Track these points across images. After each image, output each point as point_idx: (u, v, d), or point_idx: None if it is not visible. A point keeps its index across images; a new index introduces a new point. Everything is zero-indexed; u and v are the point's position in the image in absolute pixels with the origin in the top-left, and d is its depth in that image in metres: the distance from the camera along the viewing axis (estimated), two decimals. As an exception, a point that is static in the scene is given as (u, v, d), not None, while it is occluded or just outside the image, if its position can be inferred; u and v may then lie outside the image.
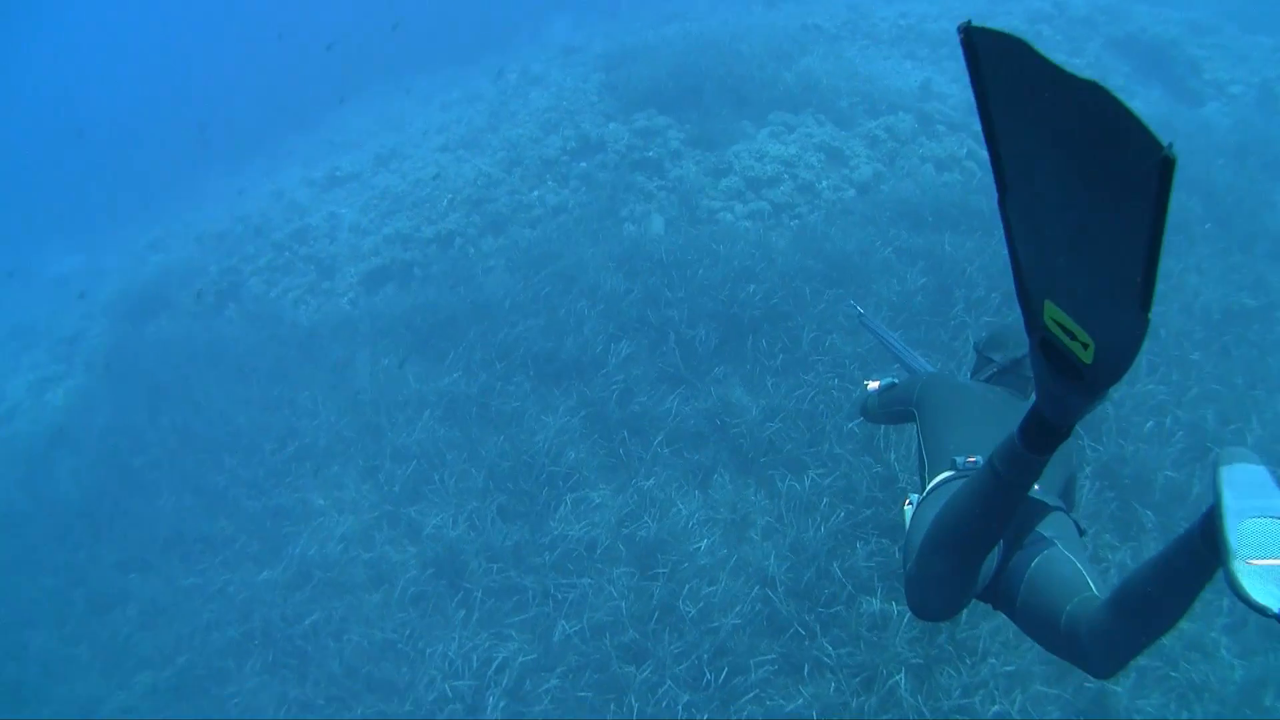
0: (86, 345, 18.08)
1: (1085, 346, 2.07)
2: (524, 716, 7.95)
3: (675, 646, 7.80)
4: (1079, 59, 17.49)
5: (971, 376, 4.89)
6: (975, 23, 1.79)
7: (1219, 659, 7.18)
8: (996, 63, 1.81)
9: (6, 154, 34.33)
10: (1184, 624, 7.05)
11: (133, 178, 27.77)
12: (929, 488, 3.82)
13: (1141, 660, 7.06)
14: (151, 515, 11.72)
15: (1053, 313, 2.13)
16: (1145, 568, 2.78)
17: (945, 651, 7.21)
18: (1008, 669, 7.07)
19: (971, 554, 3.09)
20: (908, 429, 8.43)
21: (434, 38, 27.44)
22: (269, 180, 22.36)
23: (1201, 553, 2.53)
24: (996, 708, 6.86)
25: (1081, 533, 3.69)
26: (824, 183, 13.65)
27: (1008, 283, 10.46)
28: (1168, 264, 10.65)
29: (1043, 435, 2.54)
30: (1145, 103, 16.19)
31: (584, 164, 15.58)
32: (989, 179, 12.05)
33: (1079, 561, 3.31)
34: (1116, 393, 8.75)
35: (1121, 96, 1.54)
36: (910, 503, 3.91)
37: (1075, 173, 1.76)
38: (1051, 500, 3.68)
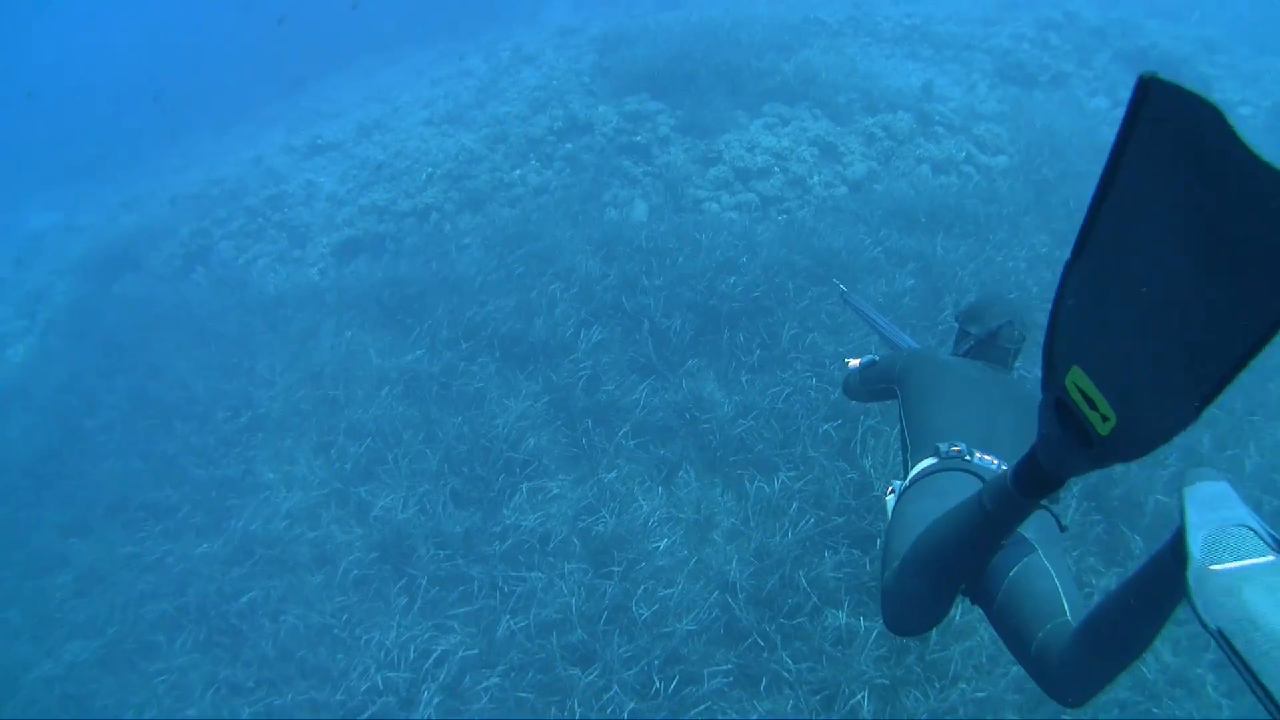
0: (51, 302, 17.77)
1: (1105, 420, 1.99)
2: (459, 715, 7.52)
3: (625, 650, 7.38)
4: (1087, 70, 17.26)
5: (952, 351, 4.76)
6: (1162, 76, 1.64)
7: (1205, 696, 6.84)
8: (1168, 123, 1.65)
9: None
10: (1168, 658, 6.83)
11: (121, 138, 27.46)
12: (911, 475, 3.71)
13: (1123, 694, 6.66)
14: (98, 479, 11.41)
15: (1078, 378, 2.03)
16: (1115, 593, 2.64)
17: (913, 673, 6.84)
18: (979, 695, 6.71)
19: (951, 580, 3.04)
20: (886, 433, 8.38)
21: (431, 12, 27.15)
22: (251, 146, 22.10)
23: (1172, 571, 2.38)
24: (964, 736, 6.50)
25: (1063, 529, 3.55)
26: (815, 178, 13.28)
27: (1001, 289, 10.13)
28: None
29: (1035, 482, 2.45)
30: None
31: (570, 145, 15.19)
32: (987, 184, 11.83)
33: (1057, 575, 3.16)
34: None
35: None
36: (893, 491, 3.80)
37: (1204, 258, 1.66)
38: None
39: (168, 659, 8.84)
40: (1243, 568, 2.12)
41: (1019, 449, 2.60)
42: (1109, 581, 7.26)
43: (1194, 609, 2.08)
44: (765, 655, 7.15)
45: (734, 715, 6.93)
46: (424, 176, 15.19)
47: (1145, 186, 1.74)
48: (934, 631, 6.63)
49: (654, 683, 7.19)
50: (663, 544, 8.19)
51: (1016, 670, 6.26)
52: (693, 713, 6.98)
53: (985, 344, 4.46)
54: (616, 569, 8.00)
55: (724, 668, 7.19)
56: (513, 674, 7.60)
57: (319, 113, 22.88)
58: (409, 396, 10.70)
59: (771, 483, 8.41)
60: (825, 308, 10.20)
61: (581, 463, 9.38)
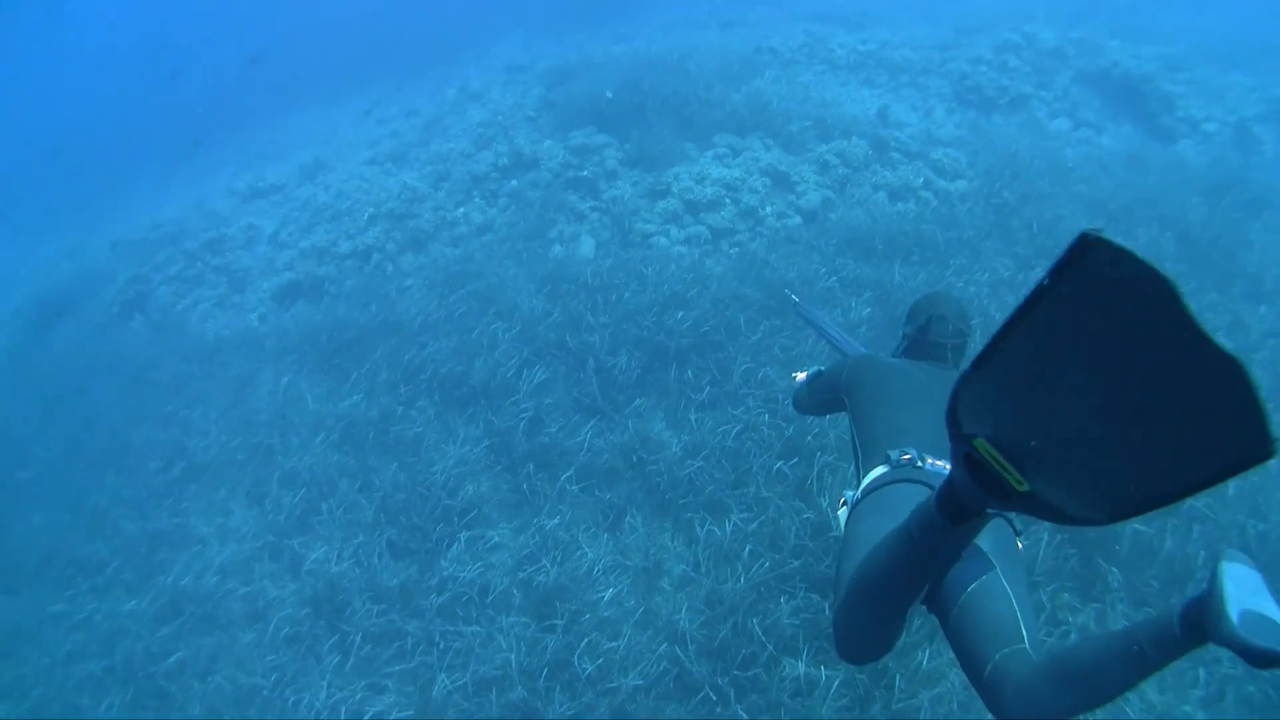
0: None
1: (1019, 483, 2.01)
2: (390, 781, 7.14)
3: (568, 708, 6.97)
4: (1047, 92, 17.07)
5: (893, 353, 4.80)
6: (1106, 235, 1.68)
7: (1192, 738, 6.43)
8: (1108, 279, 1.71)
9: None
10: (1154, 697, 6.46)
11: (64, 185, 27.17)
12: (863, 485, 3.72)
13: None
14: (27, 533, 11.08)
15: (985, 446, 2.05)
16: (1099, 640, 2.69)
17: (878, 724, 6.41)
18: (948, 747, 6.30)
19: (896, 608, 3.02)
20: (843, 469, 8.05)
21: (381, 53, 27.08)
22: (195, 189, 21.83)
23: (1175, 639, 2.45)
24: (932, 796, 6.16)
25: (1017, 533, 3.57)
26: (768, 208, 12.98)
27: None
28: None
29: (960, 513, 2.41)
30: (1116, 139, 15.87)
31: (515, 181, 14.89)
32: (946, 209, 11.62)
33: (1015, 599, 3.16)
34: None
35: (1257, 385, 1.57)
36: (844, 502, 3.83)
37: (1126, 409, 1.77)
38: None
39: (93, 723, 8.41)
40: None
41: None
42: (1086, 619, 6.87)
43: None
44: (719, 710, 6.74)
45: (685, 775, 6.57)
46: (366, 217, 14.87)
47: (1066, 330, 1.79)
48: (899, 678, 6.46)
49: (599, 743, 6.78)
50: (608, 594, 7.76)
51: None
52: (641, 774, 6.62)
53: (919, 342, 4.50)
54: (559, 621, 7.58)
55: (674, 726, 6.76)
56: (449, 736, 7.17)
57: (264, 155, 22.62)
58: (346, 443, 10.32)
59: (723, 525, 7.98)
60: (779, 341, 9.86)
61: (524, 509, 8.98)
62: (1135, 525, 7.40)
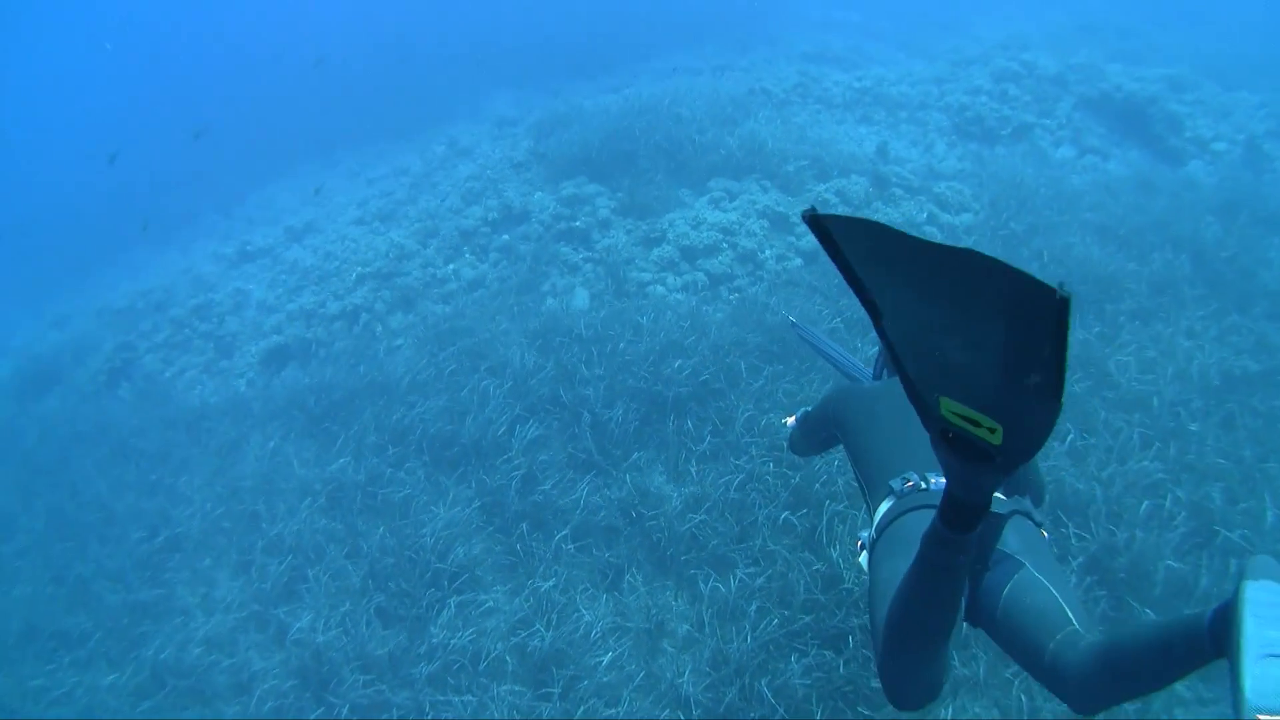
0: None
1: (992, 431, 2.07)
2: None
3: (564, 781, 6.57)
4: (1049, 120, 16.82)
5: (874, 375, 5.02)
6: (820, 210, 1.89)
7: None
8: (852, 240, 1.94)
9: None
10: None
11: (54, 259, 26.98)
12: (876, 523, 3.64)
13: None
14: (8, 606, 10.73)
15: (951, 405, 2.12)
16: (1141, 637, 2.63)
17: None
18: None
19: (937, 641, 2.91)
20: (854, 517, 7.72)
21: (371, 114, 26.93)
22: (184, 256, 21.59)
23: (1206, 650, 2.39)
24: None
25: (1038, 524, 3.53)
26: (767, 251, 12.69)
27: None
28: (1156, 328, 10.04)
29: (962, 515, 2.44)
30: (1123, 163, 15.64)
31: (506, 235, 14.64)
32: (950, 241, 11.30)
33: (1053, 585, 3.15)
34: (1104, 471, 7.82)
35: (991, 255, 1.70)
36: (862, 545, 3.74)
37: (960, 315, 1.89)
38: (1004, 508, 3.44)
39: (70, 807, 8.05)
40: None
41: None
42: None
43: None
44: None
45: None
46: (353, 277, 14.63)
47: (885, 277, 1.98)
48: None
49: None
50: (607, 657, 7.39)
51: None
52: None
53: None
54: (555, 689, 7.24)
55: (678, 799, 6.41)
56: (439, 814, 6.83)
57: (252, 220, 22.35)
58: (333, 508, 10.00)
59: (728, 582, 7.61)
60: (783, 386, 9.51)
61: (518, 571, 8.62)
62: (1168, 561, 7.04)
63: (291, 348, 13.94)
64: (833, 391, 4.66)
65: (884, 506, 3.62)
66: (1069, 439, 8.18)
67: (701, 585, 7.76)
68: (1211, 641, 2.34)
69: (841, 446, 4.47)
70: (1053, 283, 1.63)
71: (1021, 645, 3.01)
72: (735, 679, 6.85)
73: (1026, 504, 3.58)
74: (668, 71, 23.27)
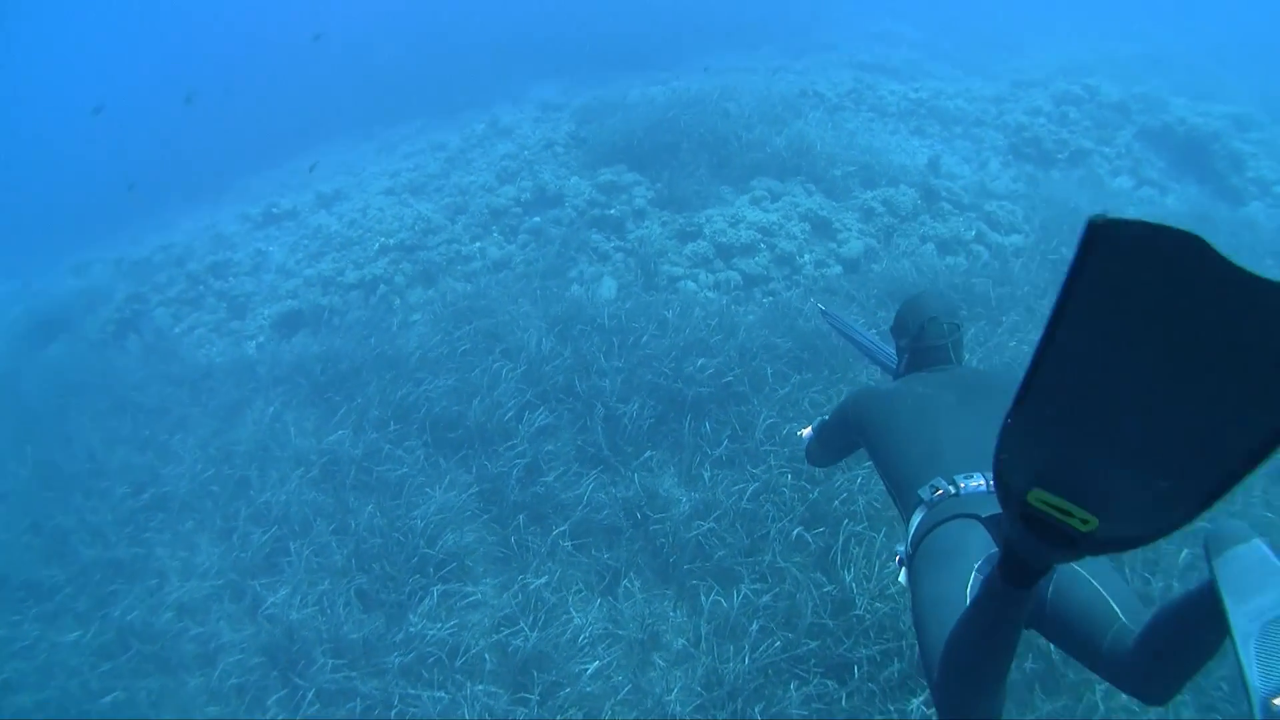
0: None
1: (1085, 522, 1.85)
2: None
3: (531, 796, 6.12)
4: (1108, 148, 16.35)
5: (895, 374, 4.71)
6: (1113, 214, 1.52)
7: None
8: (1127, 258, 1.55)
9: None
10: None
11: (90, 209, 26.94)
12: (911, 537, 3.45)
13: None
14: None
15: (1041, 495, 1.87)
16: (1164, 616, 2.67)
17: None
18: None
19: (995, 673, 2.68)
20: (871, 539, 7.18)
21: (415, 93, 26.85)
22: (211, 215, 21.38)
23: (1211, 617, 2.38)
24: None
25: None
26: (806, 256, 12.24)
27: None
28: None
29: (1028, 575, 2.21)
30: (1181, 199, 15.14)
31: (537, 218, 14.31)
32: (999, 264, 10.65)
33: (1096, 580, 3.07)
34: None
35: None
36: (899, 559, 3.64)
37: (1191, 379, 1.60)
38: None
39: (18, 762, 7.80)
40: None
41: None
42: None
43: None
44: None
45: None
46: (375, 247, 14.31)
47: (1102, 328, 1.62)
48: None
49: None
50: (593, 665, 6.93)
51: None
52: None
53: (918, 350, 4.39)
54: (533, 695, 6.78)
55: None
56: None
57: (285, 185, 22.21)
58: (325, 481, 9.64)
59: (731, 596, 7.14)
60: (809, 395, 9.05)
61: (510, 564, 8.18)
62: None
63: (305, 314, 13.63)
64: (849, 396, 4.44)
65: (916, 519, 3.44)
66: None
67: (703, 598, 7.30)
68: (1210, 617, 2.38)
69: (865, 461, 4.40)
70: None
71: (1075, 645, 2.98)
72: (728, 702, 6.43)
73: None
74: (720, 71, 22.96)
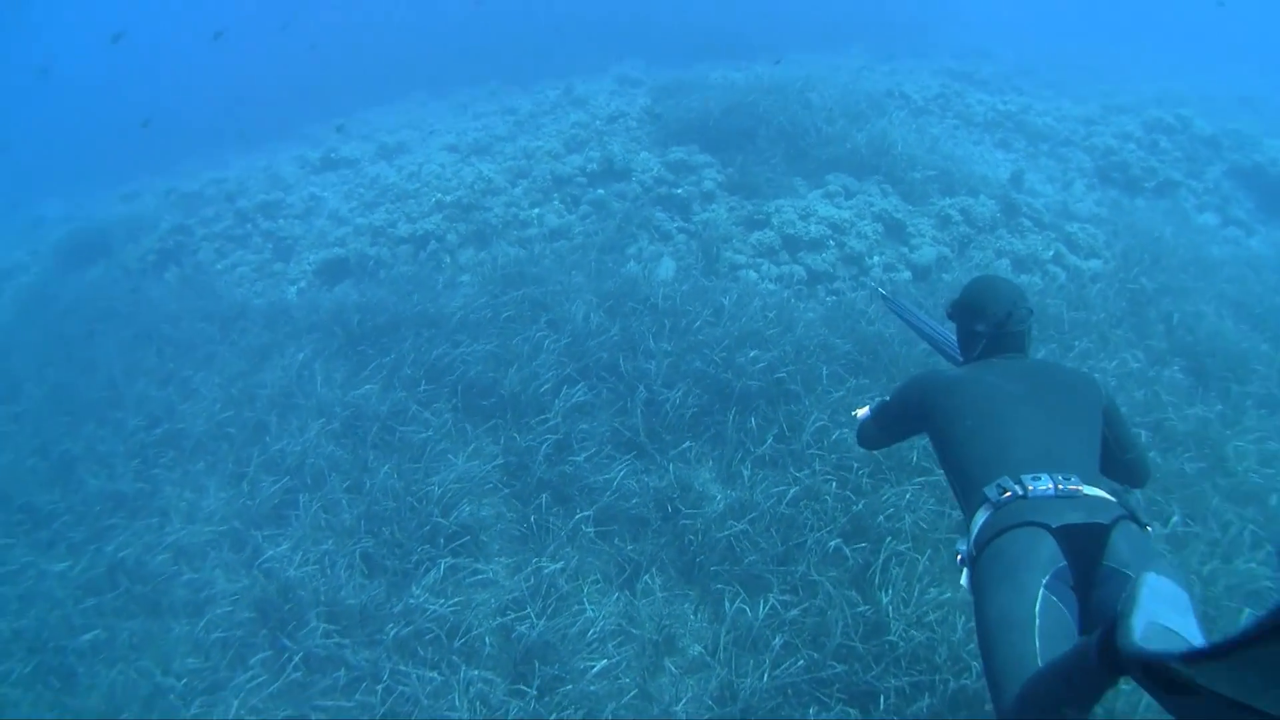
0: (14, 282, 17.26)
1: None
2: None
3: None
4: (1196, 182, 15.86)
5: (964, 358, 4.50)
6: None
7: None
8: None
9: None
10: None
11: (154, 143, 26.94)
12: (974, 537, 3.35)
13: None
14: None
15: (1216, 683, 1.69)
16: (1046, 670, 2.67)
17: None
18: None
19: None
20: (914, 560, 6.73)
21: (492, 60, 26.58)
22: (271, 157, 21.09)
23: (1094, 669, 2.38)
24: None
25: (1144, 525, 3.30)
26: (875, 257, 11.77)
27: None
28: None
29: (1121, 666, 2.24)
30: (1267, 243, 14.59)
31: (601, 190, 13.83)
32: (1075, 288, 10.07)
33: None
34: (1206, 566, 6.87)
35: None
36: (961, 558, 3.49)
37: None
38: (1107, 513, 3.24)
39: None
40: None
41: (1067, 432, 3.00)
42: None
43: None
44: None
45: None
46: (432, 202, 13.93)
47: None
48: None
49: None
50: (601, 663, 6.43)
51: None
52: None
53: (998, 337, 4.22)
54: (531, 688, 6.29)
55: None
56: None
57: (350, 134, 21.92)
58: (346, 435, 9.28)
59: (758, 606, 6.62)
60: (864, 402, 8.42)
61: (527, 545, 7.71)
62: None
63: (351, 263, 13.32)
64: (913, 379, 4.37)
65: (980, 518, 3.37)
66: (1172, 521, 7.20)
67: (727, 604, 6.78)
68: (1098, 655, 2.33)
69: (915, 478, 4.21)
70: None
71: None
72: (739, 720, 5.90)
73: (1131, 500, 3.37)
74: (803, 63, 22.63)
